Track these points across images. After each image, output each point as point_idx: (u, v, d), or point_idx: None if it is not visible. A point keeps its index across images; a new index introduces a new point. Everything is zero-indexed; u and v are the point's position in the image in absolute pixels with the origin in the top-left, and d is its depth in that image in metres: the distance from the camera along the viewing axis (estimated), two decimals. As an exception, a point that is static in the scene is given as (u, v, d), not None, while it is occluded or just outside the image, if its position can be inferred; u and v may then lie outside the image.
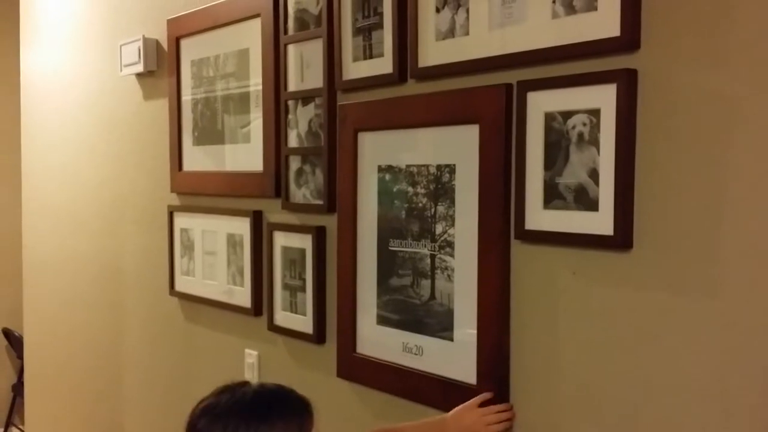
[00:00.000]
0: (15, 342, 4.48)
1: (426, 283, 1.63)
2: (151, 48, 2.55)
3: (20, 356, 4.15)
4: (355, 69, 1.78)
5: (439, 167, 1.59)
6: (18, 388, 4.49)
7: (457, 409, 1.48)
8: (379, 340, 1.75)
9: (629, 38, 1.26)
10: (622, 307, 1.29)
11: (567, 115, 1.34)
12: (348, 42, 1.79)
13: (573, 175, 1.34)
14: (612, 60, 1.28)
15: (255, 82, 2.12)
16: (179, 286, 2.49)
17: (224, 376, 1.34)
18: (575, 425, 1.37)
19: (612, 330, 1.31)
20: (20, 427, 4.42)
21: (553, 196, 1.37)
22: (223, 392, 1.26)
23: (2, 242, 4.56)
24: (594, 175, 1.31)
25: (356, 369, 1.81)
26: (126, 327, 2.85)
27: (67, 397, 3.32)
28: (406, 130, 1.67)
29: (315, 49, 1.89)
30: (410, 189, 1.66)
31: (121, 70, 2.66)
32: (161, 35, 2.52)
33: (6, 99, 4.27)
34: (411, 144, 1.68)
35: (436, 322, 1.61)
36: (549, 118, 1.37)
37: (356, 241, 1.79)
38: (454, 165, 1.56)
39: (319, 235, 1.92)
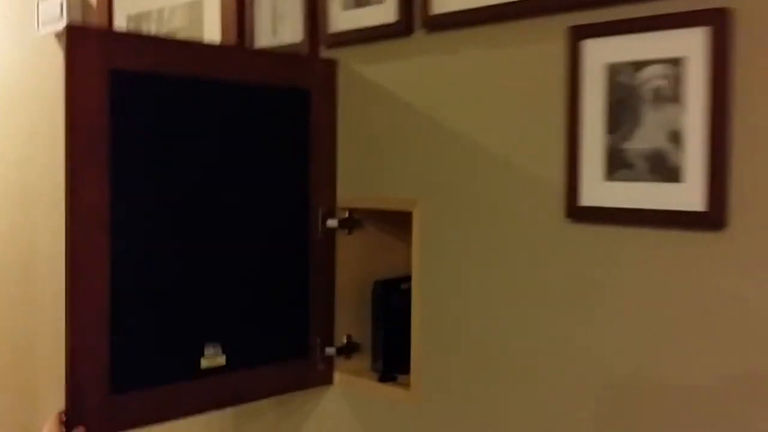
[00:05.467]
0: None
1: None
2: (75, 1, 2.18)
3: None
4: (346, 19, 1.50)
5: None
6: None
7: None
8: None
9: (719, -29, 1.03)
10: (713, 298, 1.07)
11: (638, 66, 1.11)
12: (336, -14, 1.51)
13: (646, 139, 1.11)
14: (697, -2, 1.06)
15: (211, 39, 1.80)
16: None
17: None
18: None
19: (700, 327, 1.09)
20: None
21: (618, 166, 1.14)
22: None
23: None
24: (675, 138, 1.08)
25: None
26: (39, 324, 2.47)
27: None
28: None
29: (291, -2, 1.59)
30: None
31: (38, 29, 2.28)
32: (87, -15, 2.16)
33: None
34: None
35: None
36: (613, 71, 1.13)
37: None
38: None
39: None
